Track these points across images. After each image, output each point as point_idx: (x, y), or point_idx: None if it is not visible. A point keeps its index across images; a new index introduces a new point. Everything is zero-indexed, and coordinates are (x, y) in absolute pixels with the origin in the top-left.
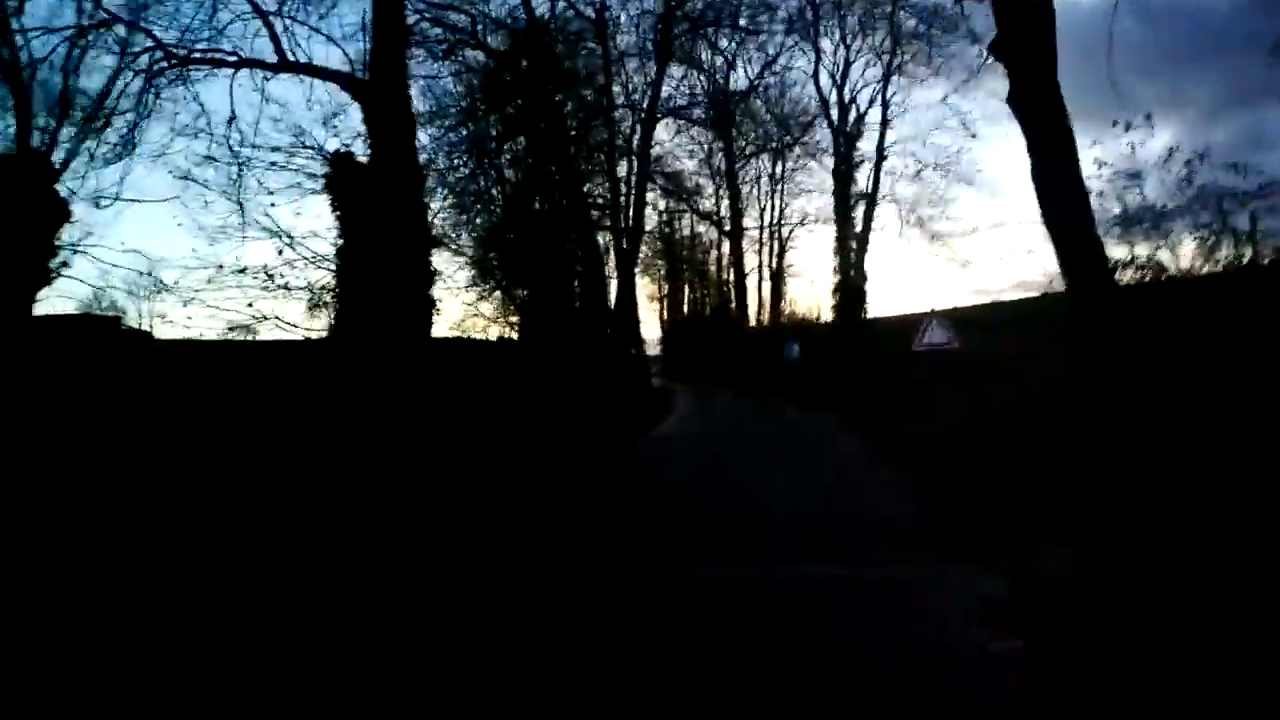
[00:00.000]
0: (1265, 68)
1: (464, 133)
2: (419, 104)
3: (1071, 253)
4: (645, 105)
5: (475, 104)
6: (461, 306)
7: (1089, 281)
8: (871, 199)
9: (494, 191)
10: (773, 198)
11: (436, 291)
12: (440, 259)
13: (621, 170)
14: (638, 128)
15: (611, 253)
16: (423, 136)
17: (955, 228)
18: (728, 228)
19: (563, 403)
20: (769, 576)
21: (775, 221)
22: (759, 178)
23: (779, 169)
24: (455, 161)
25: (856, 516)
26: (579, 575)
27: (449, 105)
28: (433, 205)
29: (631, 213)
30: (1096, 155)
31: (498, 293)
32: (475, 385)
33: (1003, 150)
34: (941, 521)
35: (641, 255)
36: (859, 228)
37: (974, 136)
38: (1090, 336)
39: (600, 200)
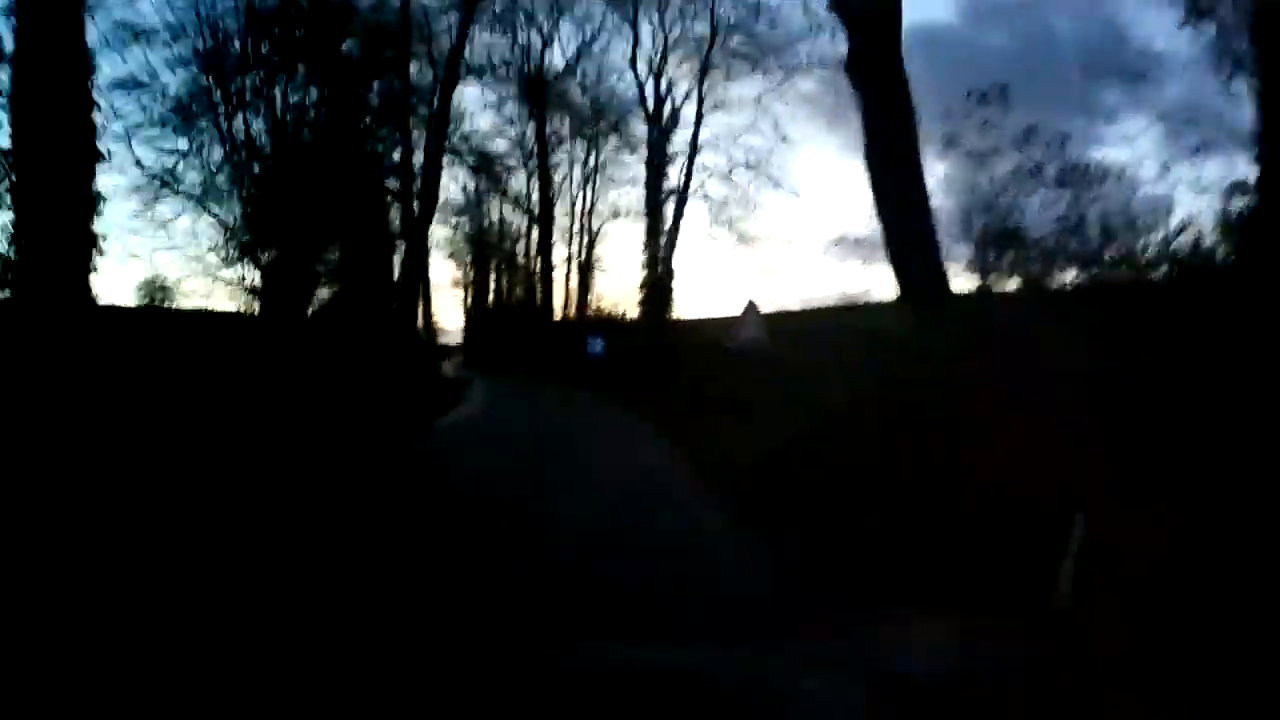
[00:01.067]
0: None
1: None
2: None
3: (905, 248)
4: (446, 60)
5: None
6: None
7: (922, 284)
8: (683, 195)
9: (266, 141)
10: (585, 188)
11: (163, 252)
12: (177, 210)
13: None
14: (437, 87)
15: (401, 224)
16: (156, 59)
17: (761, 231)
18: (537, 213)
19: (306, 392)
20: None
21: (586, 212)
22: (572, 165)
23: (593, 159)
24: (202, 95)
25: (659, 555)
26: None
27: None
28: (167, 144)
29: (426, 178)
30: (946, 131)
31: (248, 260)
32: (172, 370)
33: (805, 164)
34: (761, 562)
35: (448, 237)
36: (669, 224)
37: (784, 140)
38: (920, 345)
39: (391, 164)
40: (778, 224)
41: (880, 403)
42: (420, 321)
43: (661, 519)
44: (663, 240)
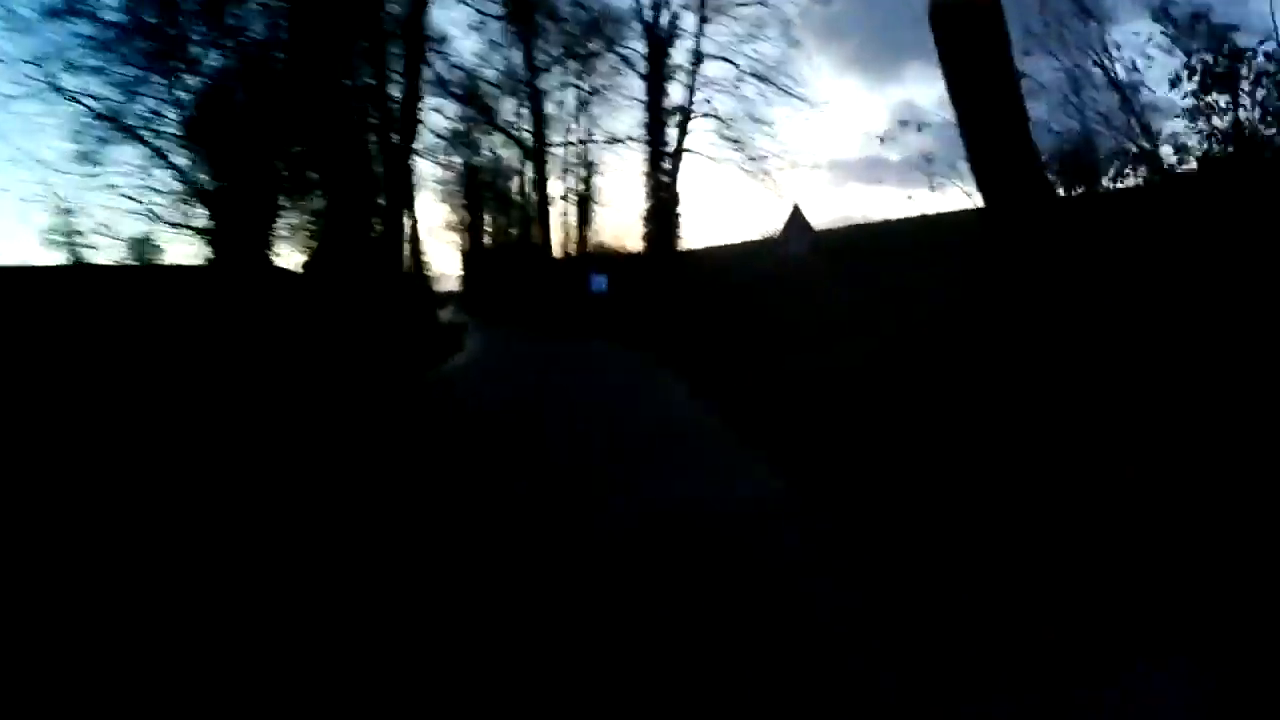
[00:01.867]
0: None
1: None
2: None
3: (989, 136)
4: None
5: None
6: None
7: (1013, 180)
8: (686, 112)
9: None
10: (580, 115)
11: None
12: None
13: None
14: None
15: (383, 159)
16: None
17: (774, 149)
18: (530, 143)
19: (292, 352)
20: None
21: (583, 141)
22: (565, 90)
23: (587, 82)
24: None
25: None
26: None
27: None
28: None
29: (405, 103)
30: None
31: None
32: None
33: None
34: (858, 586)
35: (439, 178)
36: (673, 146)
37: (796, 44)
38: (1013, 263)
39: (365, 92)
40: (792, 141)
41: (979, 337)
42: (411, 265)
43: (694, 491)
44: (666, 164)
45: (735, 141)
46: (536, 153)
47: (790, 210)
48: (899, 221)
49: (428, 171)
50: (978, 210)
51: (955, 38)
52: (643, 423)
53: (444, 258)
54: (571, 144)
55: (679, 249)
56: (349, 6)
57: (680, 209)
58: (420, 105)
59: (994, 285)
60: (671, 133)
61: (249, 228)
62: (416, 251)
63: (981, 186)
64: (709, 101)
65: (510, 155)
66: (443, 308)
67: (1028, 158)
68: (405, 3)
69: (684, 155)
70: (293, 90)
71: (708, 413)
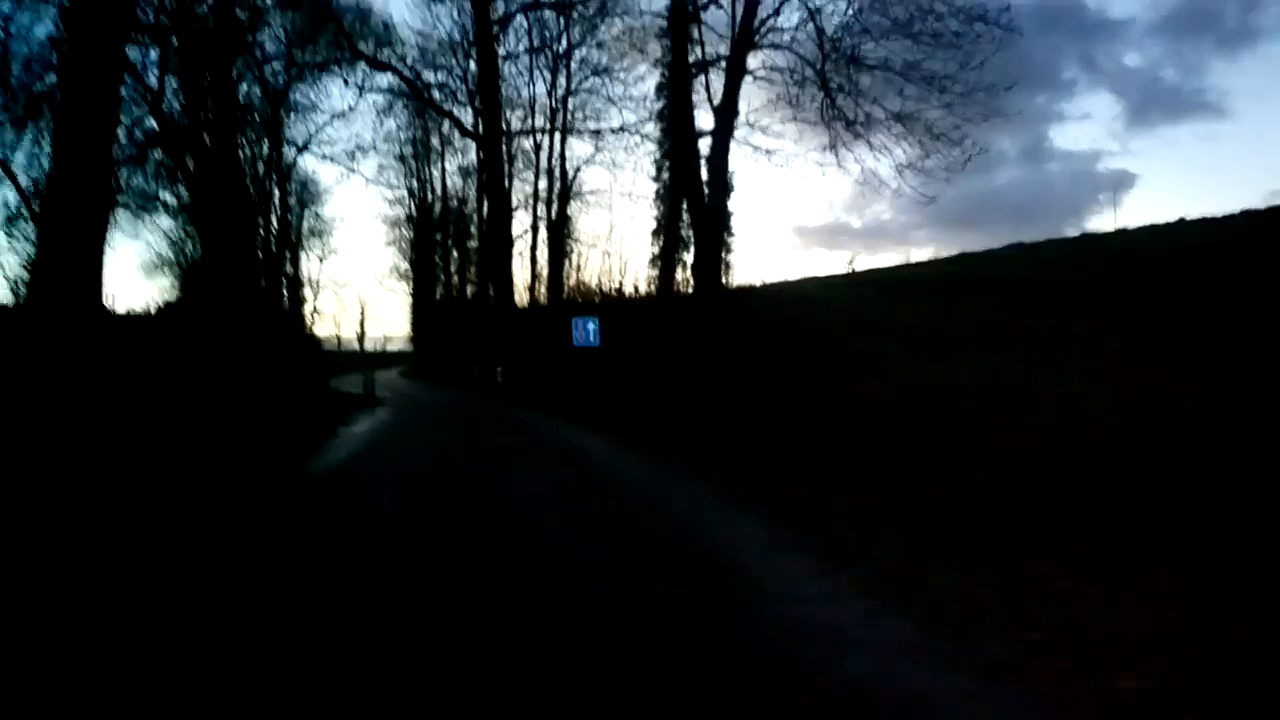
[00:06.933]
0: None
1: None
2: None
3: None
4: None
5: None
6: None
7: None
8: (744, 44)
9: None
10: (553, 121)
11: None
12: None
13: None
14: None
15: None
16: None
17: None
18: (480, 130)
19: None
20: None
21: (557, 126)
22: (535, 89)
23: (565, 70)
24: None
25: None
26: None
27: None
28: None
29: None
30: None
31: None
32: None
33: None
34: None
35: (388, 216)
36: (718, 101)
37: None
38: None
39: None
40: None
41: None
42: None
43: None
44: (706, 144)
45: (827, 107)
46: (485, 137)
47: None
48: None
49: (371, 206)
50: None
51: None
52: None
53: (393, 313)
54: (539, 131)
55: (725, 285)
56: None
57: (731, 209)
58: None
59: None
60: (702, 118)
61: None
62: (295, 297)
63: None
64: (788, 38)
65: (463, 184)
66: (349, 371)
67: None
68: None
69: (737, 116)
70: None
71: None
